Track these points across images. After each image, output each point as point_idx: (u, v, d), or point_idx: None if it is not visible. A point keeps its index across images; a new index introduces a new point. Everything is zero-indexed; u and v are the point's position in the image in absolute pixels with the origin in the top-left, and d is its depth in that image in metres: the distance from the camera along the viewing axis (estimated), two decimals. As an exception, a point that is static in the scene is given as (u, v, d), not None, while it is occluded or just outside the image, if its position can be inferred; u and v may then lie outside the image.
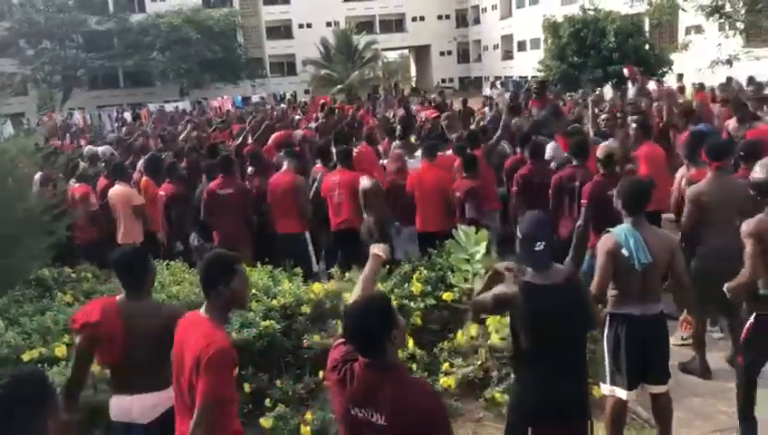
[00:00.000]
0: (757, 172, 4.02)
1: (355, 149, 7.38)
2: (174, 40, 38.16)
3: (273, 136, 9.69)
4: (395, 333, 2.46)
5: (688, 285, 4.03)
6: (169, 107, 28.78)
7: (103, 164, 9.53)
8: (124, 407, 3.35)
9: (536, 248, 3.25)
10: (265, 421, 4.29)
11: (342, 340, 2.65)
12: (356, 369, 2.48)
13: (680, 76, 19.67)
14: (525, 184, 6.63)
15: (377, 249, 3.26)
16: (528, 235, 3.29)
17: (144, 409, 3.30)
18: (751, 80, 13.60)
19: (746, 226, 3.93)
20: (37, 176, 7.50)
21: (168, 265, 6.31)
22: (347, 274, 5.74)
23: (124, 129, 18.27)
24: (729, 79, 13.55)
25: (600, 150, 5.83)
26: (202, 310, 2.94)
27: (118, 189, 7.58)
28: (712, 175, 4.97)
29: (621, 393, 3.94)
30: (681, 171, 5.84)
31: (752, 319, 3.94)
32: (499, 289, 3.39)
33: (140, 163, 9.27)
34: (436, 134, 9.15)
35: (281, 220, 6.98)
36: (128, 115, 27.09)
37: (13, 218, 5.78)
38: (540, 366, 3.30)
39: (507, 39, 44.12)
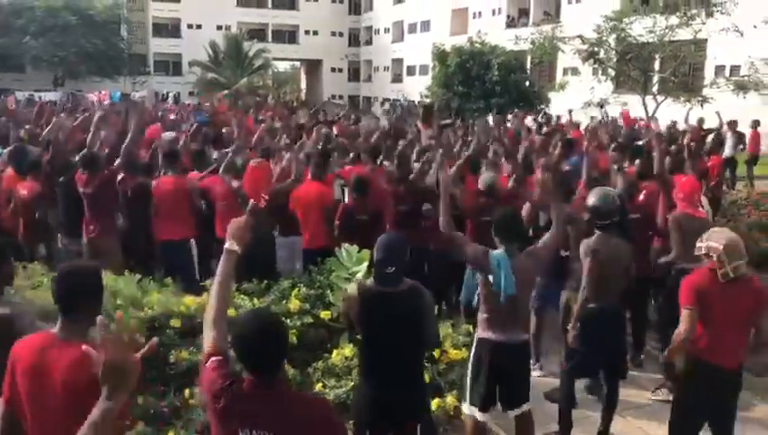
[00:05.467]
0: (591, 199, 4.60)
1: (253, 163, 7.17)
2: (50, 26, 35.82)
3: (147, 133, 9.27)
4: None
5: None
6: (45, 97, 26.87)
7: None
8: None
9: (387, 272, 3.48)
10: (123, 441, 4.00)
11: (216, 360, 2.45)
12: (243, 389, 2.35)
13: (546, 114, 20.88)
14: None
15: (230, 244, 2.76)
16: (381, 260, 3.48)
17: None
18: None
19: (584, 245, 4.52)
20: None
21: (24, 267, 5.81)
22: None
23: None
24: (615, 119, 14.60)
25: (481, 181, 6.10)
26: (58, 330, 2.60)
27: None
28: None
29: (477, 414, 4.07)
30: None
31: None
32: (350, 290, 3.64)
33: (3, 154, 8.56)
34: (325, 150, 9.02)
35: (168, 225, 6.60)
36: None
37: None
38: (373, 371, 3.56)
39: (397, 62, 45.08)
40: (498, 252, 4.04)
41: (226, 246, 2.75)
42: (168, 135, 10.09)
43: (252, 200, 6.02)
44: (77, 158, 7.00)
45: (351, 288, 3.65)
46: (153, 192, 6.70)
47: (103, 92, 29.90)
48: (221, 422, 2.40)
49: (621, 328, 4.76)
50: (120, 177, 7.12)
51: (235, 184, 6.65)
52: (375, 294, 3.51)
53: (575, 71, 24.60)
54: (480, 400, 4.05)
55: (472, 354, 4.14)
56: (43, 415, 2.54)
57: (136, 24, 43.62)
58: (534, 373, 5.26)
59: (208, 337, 2.55)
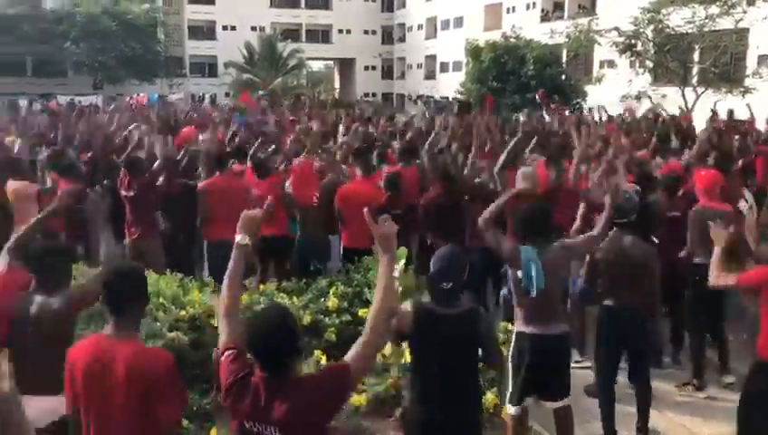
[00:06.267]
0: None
1: (296, 162, 7.22)
2: (91, 31, 36.58)
3: (182, 134, 9.47)
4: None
5: None
6: (84, 100, 27.45)
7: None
8: None
9: (443, 287, 3.30)
10: (168, 437, 4.09)
11: (230, 354, 2.49)
12: (253, 382, 2.39)
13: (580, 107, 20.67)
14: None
15: (242, 237, 2.74)
16: (438, 272, 3.33)
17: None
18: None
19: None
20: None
21: (69, 267, 5.98)
22: (261, 286, 5.61)
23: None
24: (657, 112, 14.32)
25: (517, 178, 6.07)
26: (109, 331, 2.73)
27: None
28: None
29: (514, 409, 4.08)
30: None
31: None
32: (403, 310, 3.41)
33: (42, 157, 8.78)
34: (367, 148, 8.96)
35: (223, 225, 6.69)
36: (37, 105, 25.62)
37: None
38: (426, 394, 3.35)
39: (431, 59, 44.93)
40: (527, 247, 4.02)
41: (237, 239, 2.75)
42: (205, 137, 10.24)
43: (269, 199, 6.07)
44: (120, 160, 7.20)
45: (406, 305, 3.43)
46: (207, 193, 6.68)
47: (141, 95, 30.41)
48: (231, 414, 2.46)
49: (641, 328, 4.57)
50: (161, 178, 7.28)
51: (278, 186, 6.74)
52: (430, 315, 3.32)
53: (612, 63, 24.18)
54: (518, 393, 4.06)
55: (511, 349, 4.15)
56: (106, 412, 2.64)
57: (172, 27, 44.25)
58: (580, 365, 5.29)
59: (222, 331, 2.61)
